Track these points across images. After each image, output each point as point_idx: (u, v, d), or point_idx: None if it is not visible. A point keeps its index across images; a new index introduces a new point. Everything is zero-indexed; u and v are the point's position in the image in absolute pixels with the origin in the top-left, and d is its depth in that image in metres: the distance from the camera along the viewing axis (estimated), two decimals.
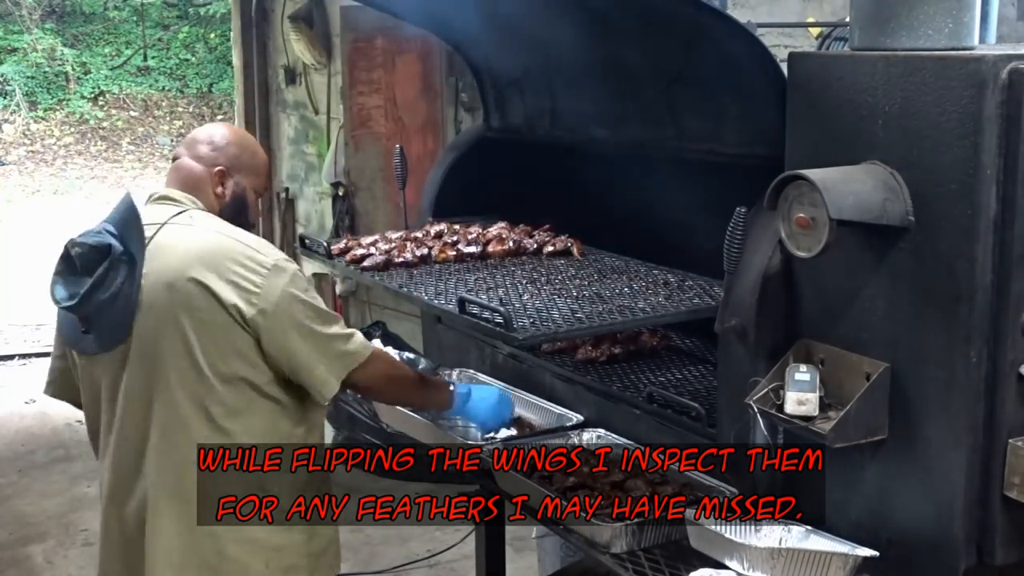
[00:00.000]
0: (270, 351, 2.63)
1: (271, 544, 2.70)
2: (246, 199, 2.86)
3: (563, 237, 3.41)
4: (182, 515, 2.66)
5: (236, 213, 2.83)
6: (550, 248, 3.36)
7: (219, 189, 2.81)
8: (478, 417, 3.04)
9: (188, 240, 2.65)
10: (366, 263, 3.28)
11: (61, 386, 2.97)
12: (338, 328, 2.70)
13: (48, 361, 3.05)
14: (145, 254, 2.62)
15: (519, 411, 3.16)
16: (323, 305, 2.71)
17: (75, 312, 2.61)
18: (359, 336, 2.74)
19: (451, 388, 3.03)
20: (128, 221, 2.65)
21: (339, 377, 2.67)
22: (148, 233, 2.65)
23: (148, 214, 2.70)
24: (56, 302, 2.62)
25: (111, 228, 2.63)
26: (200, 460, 2.63)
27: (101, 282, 2.58)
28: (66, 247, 2.62)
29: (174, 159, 2.88)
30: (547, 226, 3.46)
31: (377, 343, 3.37)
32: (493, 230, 3.47)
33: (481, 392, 3.09)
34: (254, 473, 2.66)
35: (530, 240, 3.41)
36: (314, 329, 2.64)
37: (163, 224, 2.67)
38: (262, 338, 2.61)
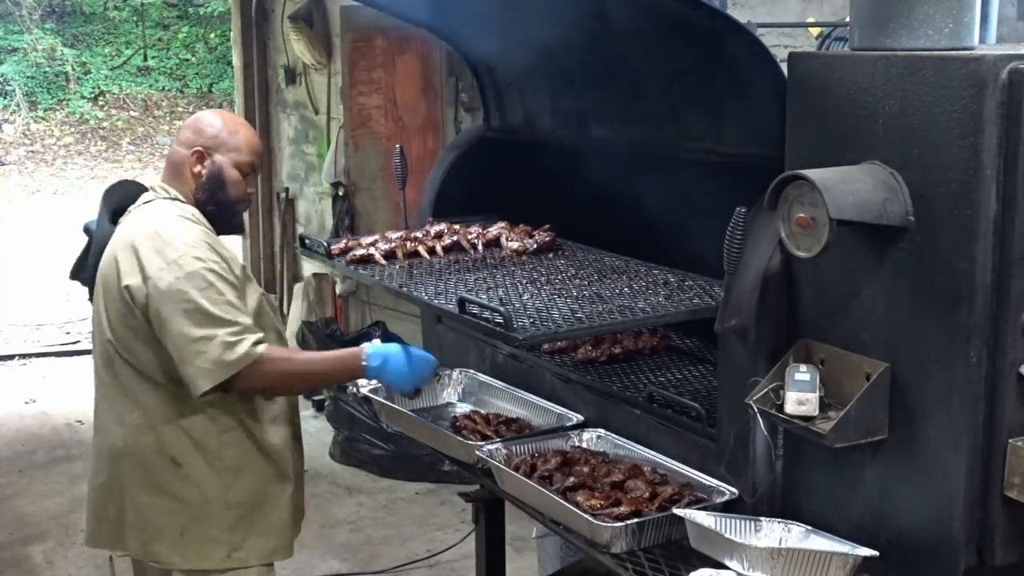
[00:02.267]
0: (159, 335, 2.82)
1: (188, 513, 2.90)
2: (223, 176, 2.98)
3: (520, 229, 3.44)
4: (111, 476, 2.97)
5: (212, 191, 2.99)
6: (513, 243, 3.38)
7: (196, 168, 2.99)
8: (397, 383, 2.96)
9: (127, 228, 2.92)
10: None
11: None
12: (224, 333, 2.75)
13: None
14: (113, 238, 2.94)
15: (519, 411, 3.16)
16: (221, 309, 2.77)
17: (77, 281, 3.06)
18: (246, 343, 2.76)
19: (363, 362, 2.90)
20: (124, 206, 3.01)
21: (209, 381, 2.75)
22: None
23: (138, 202, 3.01)
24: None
25: (106, 213, 3.02)
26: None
27: (82, 263, 3.00)
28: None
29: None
30: (547, 226, 3.46)
31: (377, 343, 3.37)
32: (493, 230, 3.47)
33: (394, 360, 2.92)
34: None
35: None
36: (187, 331, 2.75)
37: (128, 213, 2.98)
38: (151, 321, 2.81)
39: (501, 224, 3.51)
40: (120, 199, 3.05)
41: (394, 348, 2.94)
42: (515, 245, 3.36)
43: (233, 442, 2.91)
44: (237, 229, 3.08)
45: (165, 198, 2.96)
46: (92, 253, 2.97)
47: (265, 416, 2.97)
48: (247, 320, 2.81)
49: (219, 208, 2.97)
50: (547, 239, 3.37)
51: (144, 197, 3.00)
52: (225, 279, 2.81)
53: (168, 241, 2.81)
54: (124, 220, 2.96)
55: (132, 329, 2.84)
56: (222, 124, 3.01)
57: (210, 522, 2.90)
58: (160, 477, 2.89)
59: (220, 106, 17.50)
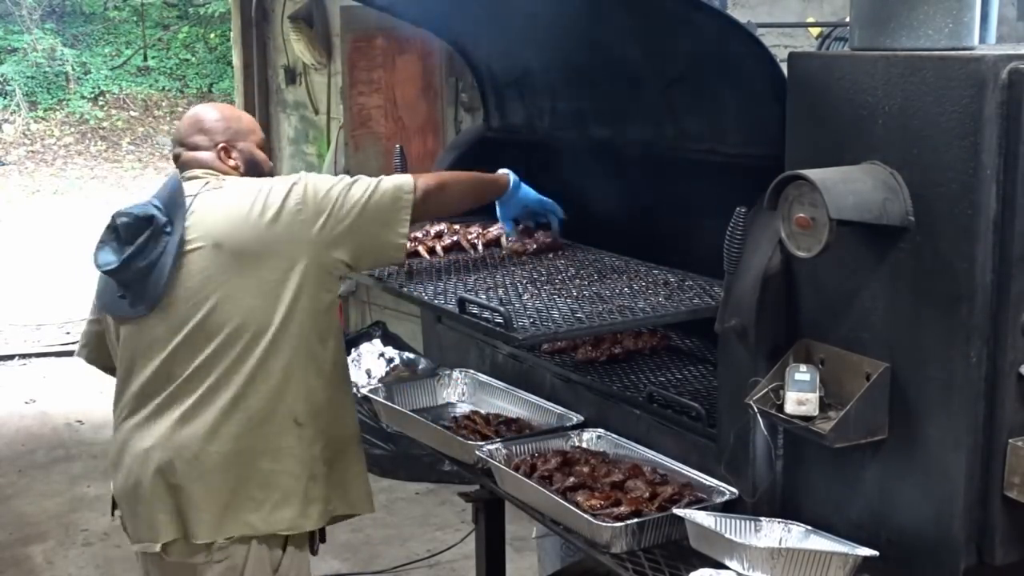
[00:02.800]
0: (338, 252, 2.81)
1: (306, 473, 2.87)
2: (256, 159, 3.02)
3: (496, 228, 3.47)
4: (224, 453, 2.81)
5: (257, 174, 2.99)
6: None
7: (231, 162, 2.97)
8: (528, 197, 3.32)
9: (224, 199, 2.84)
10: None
11: (93, 350, 3.12)
12: (369, 184, 2.86)
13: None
14: (187, 223, 2.79)
15: (519, 411, 3.16)
16: (344, 179, 2.88)
17: (115, 277, 2.80)
18: (388, 180, 2.89)
19: (506, 174, 3.27)
20: (173, 196, 2.84)
21: (406, 228, 2.86)
22: (189, 206, 2.83)
23: (194, 186, 2.89)
24: (98, 267, 2.81)
25: (157, 202, 2.81)
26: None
27: (142, 250, 2.76)
28: (112, 217, 2.81)
29: (176, 158, 3.02)
30: (547, 229, 3.46)
31: (377, 343, 3.38)
32: (493, 230, 3.47)
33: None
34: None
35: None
36: (356, 180, 2.86)
37: (196, 195, 2.85)
38: (327, 246, 2.79)
39: (501, 224, 3.50)
40: (175, 191, 2.89)
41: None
42: (515, 245, 3.36)
43: (329, 398, 2.91)
44: None
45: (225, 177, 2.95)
46: (153, 240, 2.76)
47: (347, 373, 3.03)
48: None
49: None
50: (547, 240, 3.37)
51: (198, 183, 2.89)
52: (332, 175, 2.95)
53: (272, 183, 2.85)
54: (199, 201, 2.83)
55: (279, 261, 2.77)
56: (221, 115, 3.02)
57: (320, 480, 2.90)
58: (285, 441, 2.83)
59: None
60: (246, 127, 3.04)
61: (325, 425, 2.91)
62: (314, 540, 2.99)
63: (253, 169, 2.99)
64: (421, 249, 3.36)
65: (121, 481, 2.91)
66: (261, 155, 3.04)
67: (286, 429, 2.84)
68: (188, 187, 2.88)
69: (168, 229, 2.77)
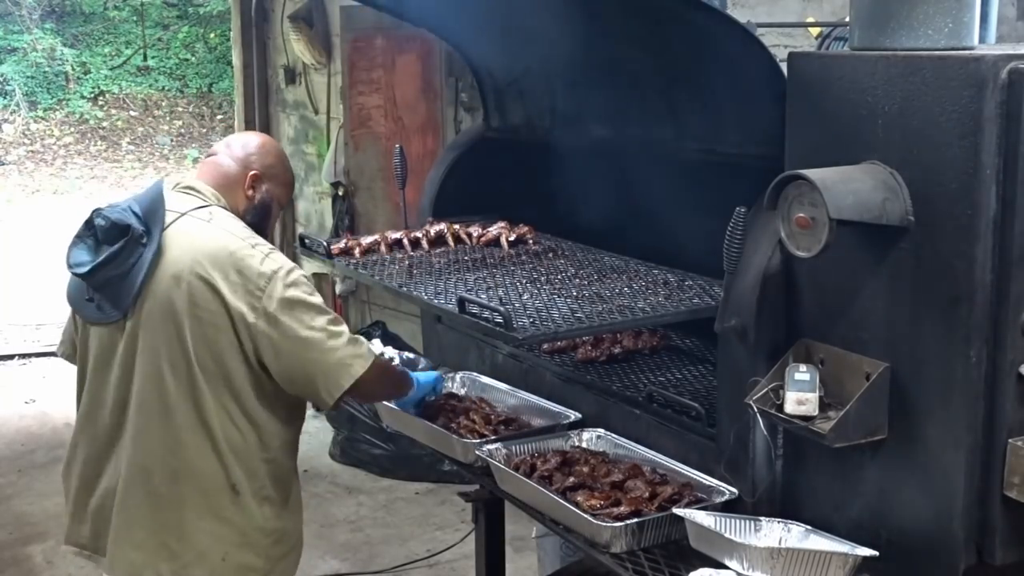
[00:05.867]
0: (271, 352, 2.69)
1: (233, 540, 2.78)
2: (271, 207, 2.96)
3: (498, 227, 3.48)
4: (150, 493, 2.75)
5: (260, 219, 2.93)
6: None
7: (250, 192, 2.91)
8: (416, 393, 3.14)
9: (203, 236, 2.74)
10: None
11: (70, 346, 3.03)
12: (345, 330, 2.76)
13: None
14: (162, 241, 2.72)
15: (519, 411, 3.15)
16: (329, 311, 2.77)
17: (85, 280, 2.74)
18: (364, 343, 2.81)
19: (412, 383, 3.12)
20: (154, 206, 2.75)
21: (360, 367, 2.74)
22: (168, 220, 2.74)
23: (171, 201, 2.79)
24: (69, 266, 2.74)
25: (136, 209, 2.73)
26: (181, 450, 2.74)
27: (114, 258, 2.70)
28: (91, 214, 2.74)
29: (209, 155, 2.99)
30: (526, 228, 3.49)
31: (377, 343, 3.39)
32: (493, 230, 3.47)
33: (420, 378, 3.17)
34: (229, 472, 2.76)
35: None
36: (323, 326, 2.71)
37: (182, 214, 2.76)
38: (260, 344, 2.68)
39: (501, 224, 3.51)
40: (156, 200, 2.81)
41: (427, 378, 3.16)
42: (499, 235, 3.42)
43: (274, 471, 2.84)
44: None
45: (221, 207, 2.85)
46: (127, 251, 2.70)
47: (295, 444, 2.94)
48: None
49: (259, 234, 2.88)
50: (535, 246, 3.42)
51: (191, 200, 2.81)
52: (312, 286, 2.81)
53: (264, 253, 2.72)
54: (181, 224, 2.74)
55: (228, 348, 2.69)
56: (279, 156, 3.01)
57: (250, 549, 2.82)
58: (217, 501, 2.76)
59: (220, 106, 17.55)
60: (287, 180, 3.02)
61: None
62: None
63: (261, 211, 2.93)
64: (405, 240, 3.38)
65: None
66: (276, 210, 2.98)
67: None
68: (179, 199, 2.81)
69: (144, 240, 2.70)
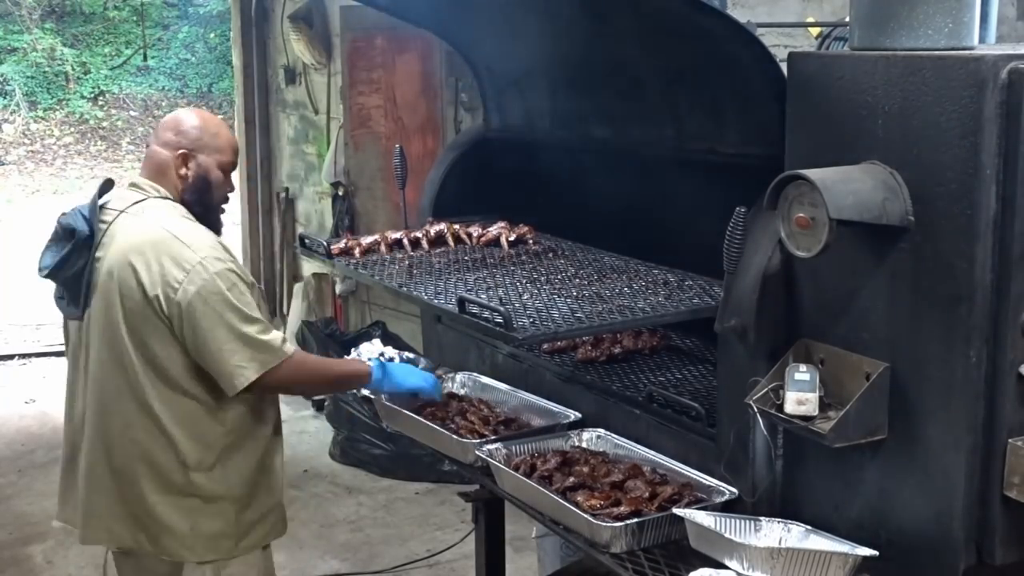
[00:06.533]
0: (186, 340, 2.84)
1: (197, 510, 2.94)
2: (209, 178, 3.02)
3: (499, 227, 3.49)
4: (113, 472, 2.95)
5: (200, 192, 3.01)
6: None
7: (182, 171, 3.00)
8: (398, 380, 3.17)
9: (133, 230, 2.90)
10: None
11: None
12: (257, 329, 2.86)
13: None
14: (103, 239, 2.90)
15: (519, 411, 3.15)
16: (248, 307, 2.87)
17: (49, 279, 2.98)
18: (278, 337, 2.90)
19: (368, 365, 3.16)
20: (94, 207, 2.93)
21: (251, 374, 2.84)
22: (109, 219, 2.91)
23: (118, 199, 2.98)
24: (38, 270, 2.98)
25: (85, 212, 2.92)
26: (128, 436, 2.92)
27: (65, 261, 2.90)
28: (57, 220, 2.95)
29: (147, 145, 3.11)
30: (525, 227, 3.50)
31: (377, 343, 3.40)
32: (493, 230, 3.47)
33: (392, 367, 3.21)
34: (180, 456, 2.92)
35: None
36: (230, 323, 2.83)
37: (120, 212, 2.93)
38: (174, 326, 2.83)
39: (501, 224, 3.51)
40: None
41: (393, 363, 3.22)
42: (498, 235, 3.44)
43: (236, 441, 2.97)
44: (218, 230, 3.08)
45: (157, 197, 2.97)
46: (76, 252, 2.90)
47: (262, 411, 3.04)
48: (266, 319, 2.91)
49: (205, 210, 3.01)
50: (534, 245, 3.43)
51: (132, 196, 2.97)
52: (243, 279, 2.90)
53: (187, 244, 2.85)
54: (118, 221, 2.92)
55: (153, 334, 2.85)
56: (203, 124, 3.04)
57: (218, 517, 2.97)
58: (171, 478, 2.93)
59: (219, 106, 17.52)
60: (218, 144, 3.03)
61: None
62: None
63: (201, 185, 2.99)
64: (405, 240, 3.38)
65: None
66: (218, 175, 3.02)
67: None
68: (123, 197, 2.98)
69: (89, 242, 2.89)
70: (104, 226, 2.91)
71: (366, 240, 3.48)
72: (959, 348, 2.05)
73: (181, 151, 2.98)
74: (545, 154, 3.54)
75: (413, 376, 3.20)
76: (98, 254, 2.90)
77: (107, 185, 3.04)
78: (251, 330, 2.84)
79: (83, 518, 3.03)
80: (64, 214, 2.93)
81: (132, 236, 2.88)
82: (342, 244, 3.47)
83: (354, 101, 7.12)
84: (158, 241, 2.85)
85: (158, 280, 2.82)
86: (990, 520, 2.10)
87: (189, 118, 3.05)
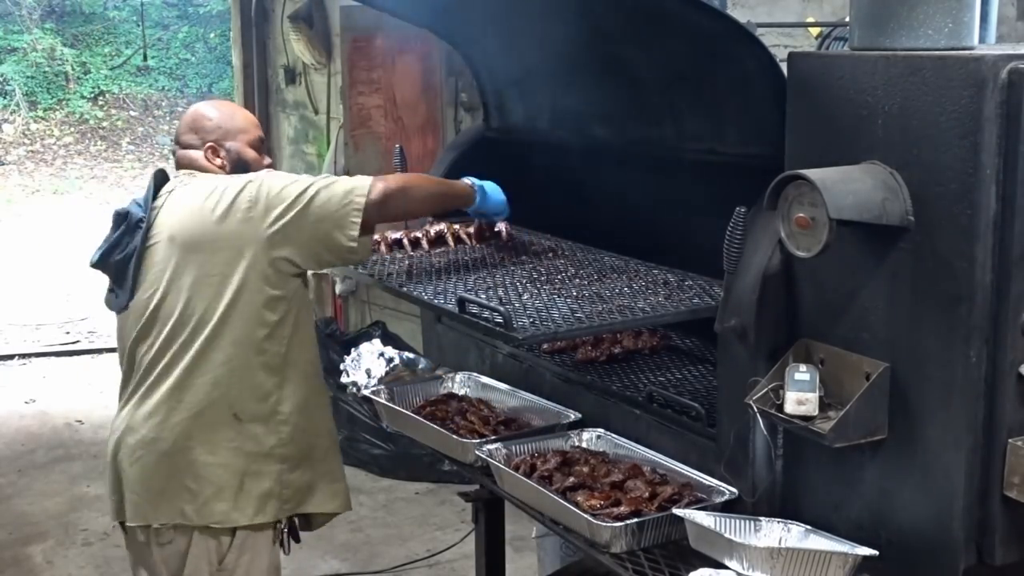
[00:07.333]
0: (289, 252, 2.83)
1: (247, 468, 2.90)
2: (245, 157, 3.04)
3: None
4: (158, 447, 2.90)
5: (243, 172, 3.01)
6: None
7: (218, 161, 3.02)
8: (493, 205, 3.27)
9: (187, 193, 2.92)
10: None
11: None
12: (322, 184, 2.84)
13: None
14: (156, 219, 2.91)
15: (519, 412, 3.16)
16: (302, 179, 2.87)
17: (98, 270, 2.98)
18: (344, 181, 2.88)
19: (471, 185, 3.22)
20: (149, 192, 2.96)
21: (355, 231, 2.82)
22: (159, 203, 2.95)
23: (171, 184, 3.01)
24: (89, 263, 3.01)
25: (139, 198, 2.97)
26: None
27: (117, 244, 2.92)
28: None
29: (173, 152, 3.13)
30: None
31: (377, 343, 3.39)
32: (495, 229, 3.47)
33: (490, 186, 3.28)
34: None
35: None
36: (308, 184, 2.83)
37: (171, 191, 2.95)
38: (273, 244, 2.81)
39: (501, 223, 3.51)
40: (158, 184, 3.03)
41: (490, 184, 3.26)
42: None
43: (288, 396, 2.94)
44: None
45: (204, 174, 3.00)
46: (128, 234, 2.91)
47: (313, 371, 3.02)
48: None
49: None
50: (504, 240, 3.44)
51: (180, 179, 2.99)
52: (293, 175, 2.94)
53: (246, 179, 2.87)
54: (169, 197, 2.93)
55: (223, 274, 2.83)
56: (216, 112, 3.08)
57: (265, 476, 2.92)
58: (223, 434, 2.89)
59: None
60: (238, 126, 3.07)
61: (281, 422, 2.94)
62: (280, 536, 3.02)
63: (240, 167, 3.02)
64: (405, 240, 3.38)
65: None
66: (251, 154, 3.05)
67: (224, 422, 2.89)
68: (171, 184, 3.00)
69: (142, 224, 2.89)
70: (154, 211, 2.92)
71: (393, 236, 3.45)
72: (959, 348, 2.05)
73: (208, 145, 3.00)
74: (545, 154, 3.54)
75: (500, 192, 3.27)
76: (152, 233, 2.90)
77: (161, 174, 3.05)
78: (329, 180, 2.85)
79: (131, 495, 2.94)
80: (125, 205, 2.98)
81: (187, 198, 2.89)
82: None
83: (354, 101, 7.12)
84: (214, 184, 2.88)
85: (228, 197, 2.82)
86: (990, 520, 2.10)
87: (201, 112, 3.08)
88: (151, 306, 2.90)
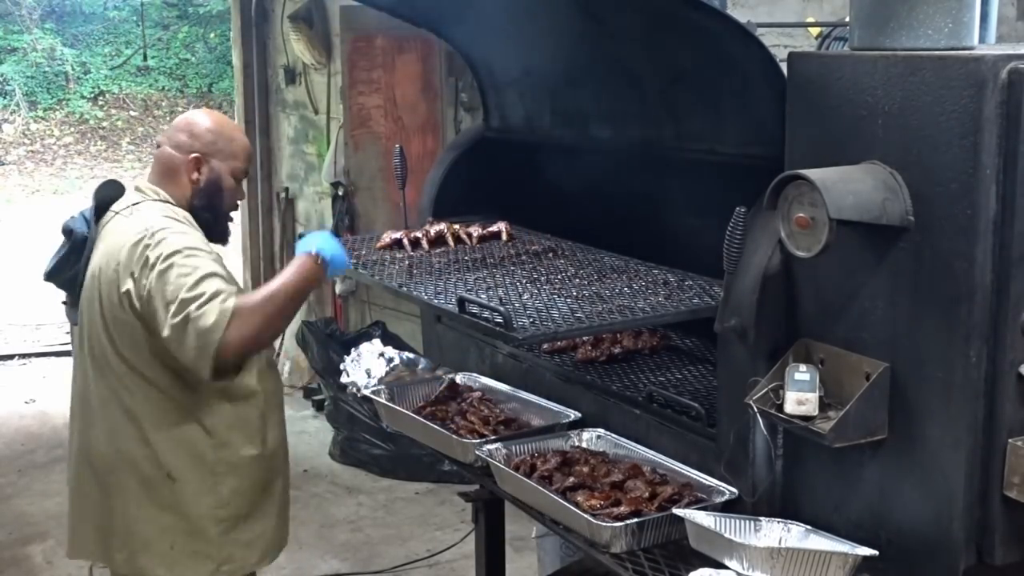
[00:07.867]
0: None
1: (179, 527, 2.85)
2: (221, 183, 2.94)
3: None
4: (98, 482, 2.89)
5: (210, 198, 2.94)
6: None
7: (194, 175, 2.93)
8: (338, 267, 2.98)
9: (118, 231, 2.83)
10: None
11: None
12: (193, 308, 2.65)
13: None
14: (96, 244, 2.88)
15: (519, 411, 3.16)
16: (193, 281, 2.67)
17: (52, 283, 2.99)
18: (216, 301, 2.67)
19: (316, 258, 2.89)
20: (100, 207, 2.91)
21: (208, 359, 2.66)
22: (106, 219, 2.91)
23: (121, 203, 2.93)
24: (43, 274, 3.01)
25: (87, 213, 2.92)
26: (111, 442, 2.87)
27: (64, 262, 2.92)
28: None
29: (157, 146, 3.01)
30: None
31: (377, 343, 3.39)
32: (493, 229, 3.47)
33: (330, 246, 2.96)
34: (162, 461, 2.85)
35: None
36: (169, 316, 2.67)
37: (117, 213, 2.89)
38: (144, 318, 2.75)
39: (501, 223, 3.51)
40: (104, 199, 2.98)
41: (321, 234, 2.98)
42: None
43: (227, 455, 2.89)
44: (224, 238, 3.02)
45: (155, 200, 2.90)
46: (74, 254, 2.91)
47: (259, 424, 2.95)
48: (216, 285, 2.70)
49: (214, 216, 2.94)
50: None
51: (131, 198, 2.92)
52: (203, 249, 2.77)
53: (158, 240, 2.75)
54: (111, 222, 2.88)
55: (132, 334, 2.79)
56: (218, 128, 2.96)
57: (200, 536, 2.87)
58: (154, 491, 2.85)
59: (220, 106, 17.50)
60: (232, 150, 2.96)
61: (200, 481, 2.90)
62: None
63: (211, 190, 2.92)
64: (405, 240, 3.39)
65: None
66: (230, 183, 2.95)
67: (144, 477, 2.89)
68: (126, 200, 2.92)
69: (84, 244, 2.89)
70: (96, 233, 2.88)
71: (393, 236, 3.43)
72: (959, 348, 2.05)
73: (194, 155, 2.91)
74: (545, 154, 3.54)
75: (338, 246, 2.98)
76: (91, 259, 2.88)
77: (105, 187, 2.99)
78: (185, 313, 2.66)
79: (71, 532, 2.97)
80: (72, 217, 2.92)
81: (117, 237, 2.82)
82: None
83: (354, 101, 7.12)
84: (139, 240, 2.76)
85: (130, 276, 2.74)
86: (990, 520, 2.10)
87: (204, 120, 2.97)
88: (83, 333, 2.92)
